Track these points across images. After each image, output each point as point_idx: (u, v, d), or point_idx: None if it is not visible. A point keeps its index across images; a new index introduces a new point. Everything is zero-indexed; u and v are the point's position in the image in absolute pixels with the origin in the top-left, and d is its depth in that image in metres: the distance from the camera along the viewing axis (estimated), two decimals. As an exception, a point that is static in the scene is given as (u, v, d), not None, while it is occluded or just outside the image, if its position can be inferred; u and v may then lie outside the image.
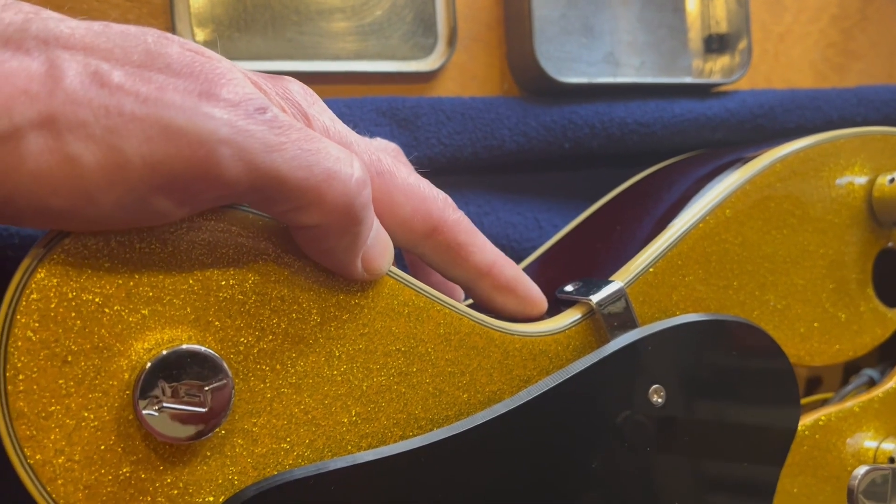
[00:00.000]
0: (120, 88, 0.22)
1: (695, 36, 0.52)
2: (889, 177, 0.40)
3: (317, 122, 0.28)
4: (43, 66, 0.22)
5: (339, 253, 0.27)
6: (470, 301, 0.35)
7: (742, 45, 0.50)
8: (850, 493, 0.34)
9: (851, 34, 0.58)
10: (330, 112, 0.29)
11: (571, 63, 0.49)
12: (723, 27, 0.52)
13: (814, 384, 0.49)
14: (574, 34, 0.49)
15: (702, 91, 0.50)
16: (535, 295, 0.33)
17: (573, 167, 0.49)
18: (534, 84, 0.47)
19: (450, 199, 0.31)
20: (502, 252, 0.33)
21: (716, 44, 0.52)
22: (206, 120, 0.23)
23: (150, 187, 0.23)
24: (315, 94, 0.29)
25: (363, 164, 0.26)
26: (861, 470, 0.34)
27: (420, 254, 0.31)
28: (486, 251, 0.32)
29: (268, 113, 0.24)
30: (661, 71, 0.51)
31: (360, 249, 0.27)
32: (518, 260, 0.43)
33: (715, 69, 0.52)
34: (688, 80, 0.51)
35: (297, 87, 0.28)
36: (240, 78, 0.25)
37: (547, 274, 0.40)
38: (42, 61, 0.22)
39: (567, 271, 0.39)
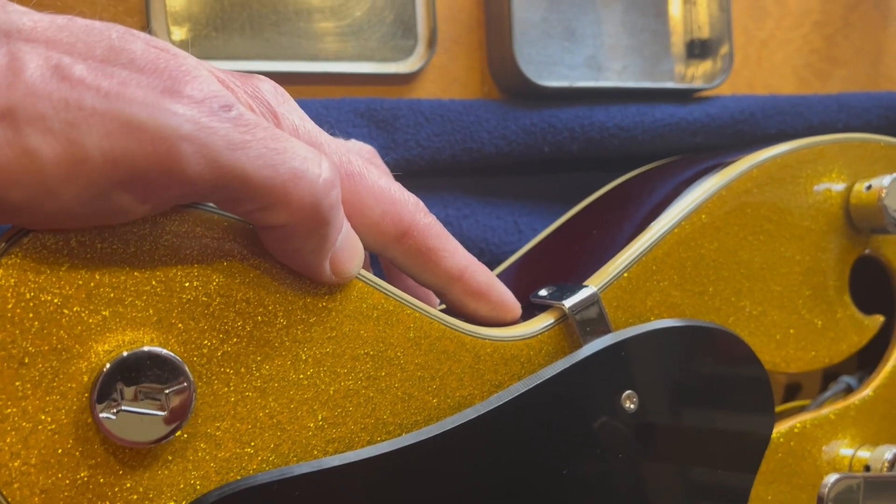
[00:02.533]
0: (81, 82, 0.22)
1: (677, 41, 0.52)
2: (866, 184, 0.40)
3: (286, 121, 0.27)
4: (3, 58, 0.22)
5: (306, 255, 0.27)
6: (443, 306, 0.34)
7: (724, 50, 0.50)
8: (820, 500, 0.33)
9: (834, 40, 0.58)
10: (300, 111, 0.29)
11: (552, 67, 0.49)
12: (705, 32, 0.52)
13: (793, 391, 0.49)
14: (555, 37, 0.49)
15: (683, 96, 0.50)
16: (508, 300, 0.33)
17: (553, 171, 0.49)
18: (514, 87, 0.47)
19: (421, 203, 0.31)
20: (477, 257, 0.33)
21: (698, 49, 0.52)
22: (168, 116, 0.22)
23: (111, 182, 0.22)
24: (286, 93, 0.29)
25: (332, 165, 0.26)
26: (832, 478, 0.34)
27: (390, 258, 0.31)
28: (457, 256, 0.31)
29: (233, 111, 0.24)
30: (643, 75, 0.51)
31: (328, 251, 0.27)
32: (496, 264, 0.43)
33: (697, 74, 0.52)
34: (669, 84, 0.50)
35: (267, 85, 0.28)
36: (205, 75, 0.24)
37: (524, 278, 0.40)
38: (3, 53, 0.22)
39: (544, 275, 0.39)
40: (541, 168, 0.48)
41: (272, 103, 0.27)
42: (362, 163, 0.30)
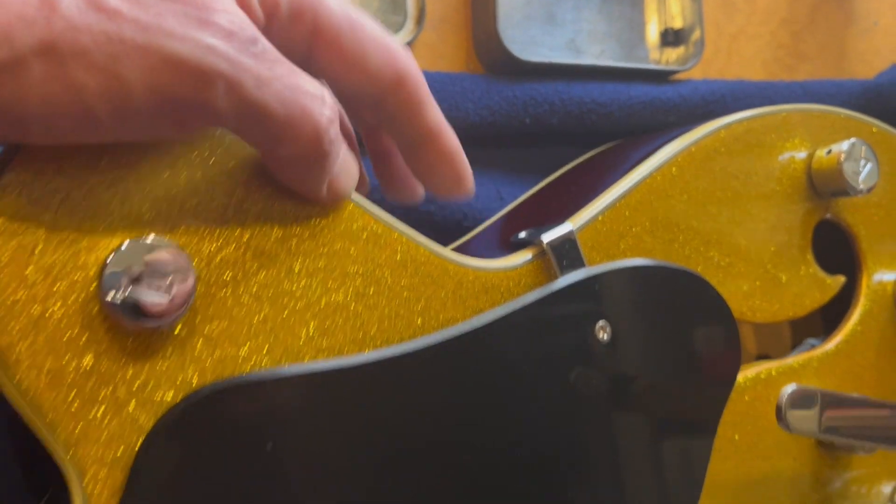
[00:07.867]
0: (118, 14, 0.22)
1: (652, 29, 0.55)
2: (826, 149, 0.43)
3: None
4: None
5: (309, 181, 0.29)
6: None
7: (696, 36, 0.53)
8: (778, 409, 0.35)
9: (801, 37, 0.61)
10: None
11: (534, 48, 0.51)
12: (678, 23, 0.55)
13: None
14: (537, 20, 0.52)
15: (658, 77, 0.53)
16: (469, 173, 0.34)
17: (535, 144, 0.52)
18: (498, 64, 0.49)
19: (411, 53, 0.32)
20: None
21: (671, 37, 0.55)
22: (206, 52, 0.23)
23: (152, 113, 0.23)
24: None
25: (333, 102, 0.27)
26: (789, 388, 0.35)
27: (383, 108, 0.31)
28: (439, 113, 0.32)
29: (258, 44, 0.25)
30: (620, 59, 0.54)
31: (326, 178, 0.29)
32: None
33: (671, 60, 0.54)
34: (645, 66, 0.53)
35: None
36: (229, 2, 0.25)
37: (506, 231, 0.42)
38: None
39: (524, 226, 0.41)
40: (523, 141, 0.51)
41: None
42: (360, 14, 0.30)
